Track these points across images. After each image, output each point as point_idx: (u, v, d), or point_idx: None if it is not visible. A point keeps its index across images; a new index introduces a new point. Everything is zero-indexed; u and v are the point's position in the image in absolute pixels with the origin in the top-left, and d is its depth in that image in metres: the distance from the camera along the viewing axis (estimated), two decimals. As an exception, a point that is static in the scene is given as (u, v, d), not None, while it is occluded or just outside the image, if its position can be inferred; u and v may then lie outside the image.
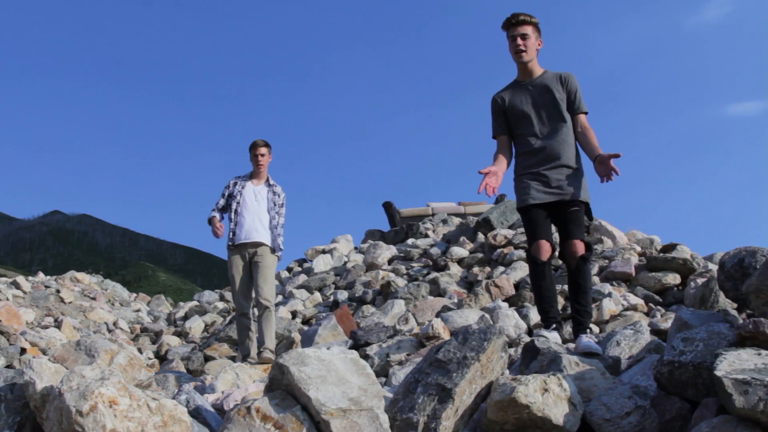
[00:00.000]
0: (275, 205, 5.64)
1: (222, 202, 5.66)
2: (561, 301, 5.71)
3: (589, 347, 3.07)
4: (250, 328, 5.47)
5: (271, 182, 5.70)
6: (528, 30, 3.54)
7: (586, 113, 3.61)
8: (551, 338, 3.21)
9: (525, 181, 3.55)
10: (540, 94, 3.57)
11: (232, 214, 5.54)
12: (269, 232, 5.53)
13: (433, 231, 11.39)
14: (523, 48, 3.53)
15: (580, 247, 3.40)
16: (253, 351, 5.39)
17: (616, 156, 3.25)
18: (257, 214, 5.51)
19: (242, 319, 5.46)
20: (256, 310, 5.48)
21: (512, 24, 3.53)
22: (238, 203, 5.54)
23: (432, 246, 9.82)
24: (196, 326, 9.52)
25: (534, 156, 3.54)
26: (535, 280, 3.50)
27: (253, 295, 5.46)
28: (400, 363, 4.66)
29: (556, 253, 3.76)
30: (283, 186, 5.75)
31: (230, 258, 5.49)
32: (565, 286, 5.80)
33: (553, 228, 3.62)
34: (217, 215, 5.62)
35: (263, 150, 5.60)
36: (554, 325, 3.43)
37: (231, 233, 5.51)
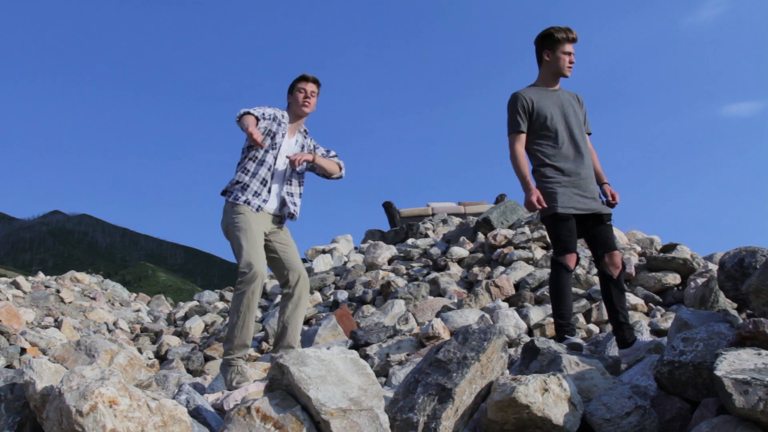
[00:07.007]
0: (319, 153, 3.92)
1: (258, 122, 3.62)
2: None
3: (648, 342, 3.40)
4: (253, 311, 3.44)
5: (303, 129, 3.96)
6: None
7: (590, 134, 3.80)
8: (583, 343, 3.43)
9: (562, 187, 3.48)
10: (568, 104, 3.66)
11: (262, 169, 3.68)
12: (296, 202, 3.83)
13: (433, 231, 11.39)
14: (571, 66, 3.65)
15: (620, 258, 3.53)
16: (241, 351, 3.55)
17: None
18: (289, 178, 3.82)
19: (250, 292, 3.37)
20: (282, 294, 3.74)
21: (570, 41, 3.60)
22: (275, 157, 3.72)
23: (432, 246, 9.81)
24: (196, 326, 9.51)
25: (569, 163, 3.54)
26: (561, 287, 3.52)
27: (286, 273, 3.69)
28: (400, 363, 4.66)
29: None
30: None
31: (243, 212, 3.59)
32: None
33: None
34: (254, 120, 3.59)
35: (314, 87, 3.79)
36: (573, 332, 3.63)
37: (251, 194, 3.62)
